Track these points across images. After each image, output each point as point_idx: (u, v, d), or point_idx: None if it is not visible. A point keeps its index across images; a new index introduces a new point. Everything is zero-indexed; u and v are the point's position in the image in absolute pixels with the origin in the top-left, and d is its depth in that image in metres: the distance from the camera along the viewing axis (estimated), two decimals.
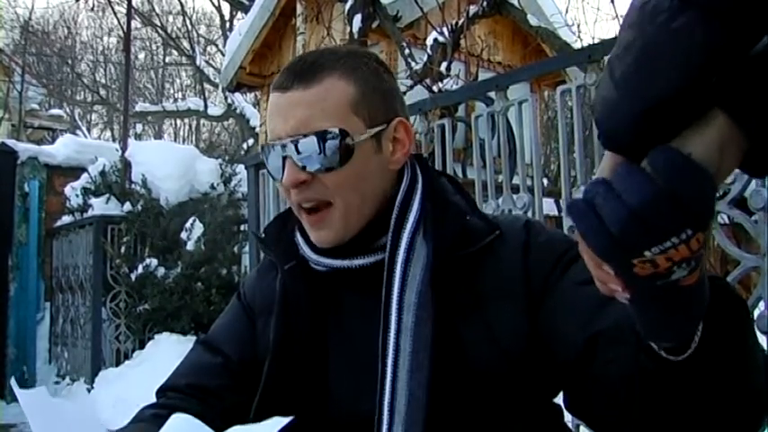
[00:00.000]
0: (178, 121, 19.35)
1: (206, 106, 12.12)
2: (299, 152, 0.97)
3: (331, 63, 1.01)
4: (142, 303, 5.76)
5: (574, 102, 2.50)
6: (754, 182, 2.03)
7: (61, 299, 6.64)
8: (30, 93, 14.18)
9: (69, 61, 17.92)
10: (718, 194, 0.58)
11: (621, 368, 0.82)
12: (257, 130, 9.94)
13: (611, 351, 0.84)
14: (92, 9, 16.11)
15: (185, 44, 14.49)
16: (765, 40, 0.53)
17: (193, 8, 25.72)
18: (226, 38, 12.78)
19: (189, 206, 5.88)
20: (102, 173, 6.32)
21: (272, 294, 1.07)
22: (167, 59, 19.18)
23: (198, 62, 12.90)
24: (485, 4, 4.82)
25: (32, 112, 14.79)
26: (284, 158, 0.99)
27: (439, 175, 1.11)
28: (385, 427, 0.93)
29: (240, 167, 6.08)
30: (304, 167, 0.98)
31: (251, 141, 11.14)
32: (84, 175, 6.47)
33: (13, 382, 0.91)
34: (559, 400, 1.06)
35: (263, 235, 1.14)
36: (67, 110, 17.49)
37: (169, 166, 5.94)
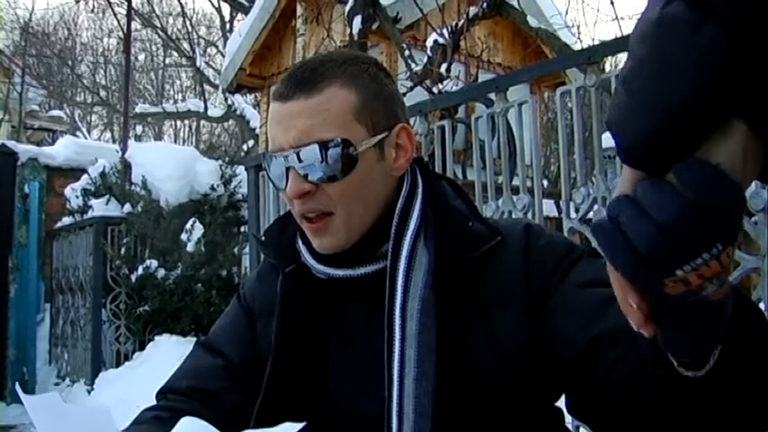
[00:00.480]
0: (178, 123, 19.35)
1: (206, 107, 12.12)
2: (301, 162, 0.97)
3: (332, 71, 0.99)
4: (142, 305, 5.76)
5: (574, 103, 2.51)
6: (753, 183, 2.03)
7: (61, 300, 6.63)
8: (30, 94, 14.17)
9: (69, 62, 17.94)
10: None
11: (623, 370, 0.82)
12: (257, 131, 9.94)
13: (613, 352, 0.84)
14: (92, 10, 16.12)
15: (185, 45, 14.50)
16: None
17: (193, 9, 25.74)
18: (226, 39, 12.79)
19: (189, 207, 5.88)
20: (103, 174, 6.32)
21: (272, 296, 1.07)
22: (167, 61, 19.20)
23: (198, 63, 12.90)
24: (485, 5, 4.83)
25: (32, 114, 14.79)
26: (287, 169, 0.98)
27: (439, 178, 1.11)
28: (395, 427, 0.93)
29: (240, 169, 6.07)
30: (307, 177, 0.97)
31: (251, 143, 11.15)
32: (85, 177, 6.46)
33: (17, 387, 0.91)
34: (559, 402, 1.07)
35: (264, 238, 1.13)
36: (67, 111, 17.49)
37: (169, 167, 5.94)
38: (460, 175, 5.35)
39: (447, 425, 0.94)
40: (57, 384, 6.35)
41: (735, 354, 0.67)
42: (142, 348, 5.62)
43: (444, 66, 4.75)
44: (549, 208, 4.07)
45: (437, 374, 0.93)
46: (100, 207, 6.07)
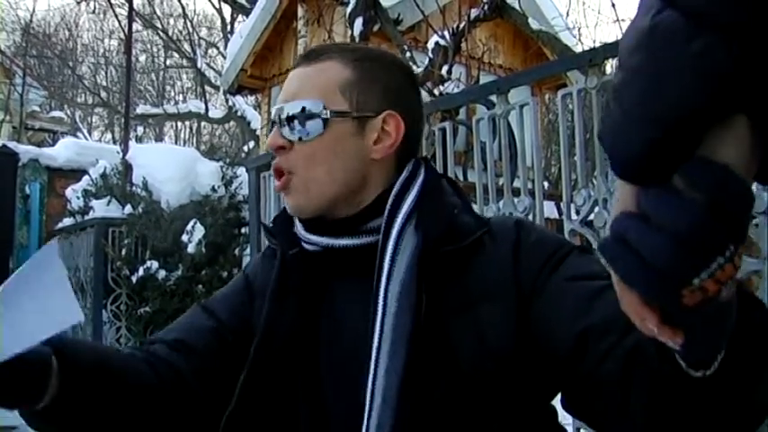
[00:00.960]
0: (179, 124, 19.37)
1: (207, 109, 12.13)
2: (280, 119, 1.05)
3: (338, 50, 1.09)
4: (143, 306, 5.76)
5: (575, 105, 2.51)
6: (754, 186, 2.03)
7: None
8: (31, 95, 14.20)
9: (70, 63, 17.96)
10: None
11: (614, 362, 0.82)
12: (258, 132, 9.94)
13: (603, 344, 0.84)
14: (93, 11, 16.17)
15: (186, 47, 14.53)
16: None
17: (194, 11, 25.71)
18: (227, 40, 12.80)
19: (190, 208, 5.88)
20: (103, 175, 6.33)
21: (270, 279, 1.09)
22: (168, 62, 19.21)
23: (199, 65, 12.92)
24: (486, 7, 4.84)
25: (33, 115, 14.82)
26: (273, 124, 1.07)
27: (440, 177, 1.13)
28: (366, 411, 0.94)
29: (241, 170, 6.08)
30: (282, 132, 1.05)
31: (252, 144, 11.16)
32: (85, 178, 6.47)
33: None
34: (555, 402, 1.07)
35: (272, 222, 1.17)
36: (68, 112, 17.53)
37: (170, 168, 5.94)
38: (461, 177, 5.35)
39: (421, 411, 0.94)
40: None
41: (741, 348, 0.67)
42: None
43: (445, 68, 4.75)
44: (549, 210, 4.07)
45: (407, 356, 0.94)
46: (101, 208, 6.07)
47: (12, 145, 7.33)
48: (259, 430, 1.02)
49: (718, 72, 0.48)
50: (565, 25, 6.26)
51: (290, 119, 1.04)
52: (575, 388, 0.92)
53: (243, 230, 5.91)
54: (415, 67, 4.90)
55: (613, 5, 4.71)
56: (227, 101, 11.11)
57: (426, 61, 4.89)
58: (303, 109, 1.03)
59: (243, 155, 11.58)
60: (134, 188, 6.02)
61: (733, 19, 0.47)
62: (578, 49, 5.28)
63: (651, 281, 0.51)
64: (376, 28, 5.21)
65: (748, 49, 0.47)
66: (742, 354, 0.67)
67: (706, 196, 0.48)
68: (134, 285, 5.77)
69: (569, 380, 0.91)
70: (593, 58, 2.46)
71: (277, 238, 1.12)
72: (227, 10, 14.45)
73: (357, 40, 4.87)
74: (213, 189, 5.97)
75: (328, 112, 1.03)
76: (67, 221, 6.58)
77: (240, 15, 12.48)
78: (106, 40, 19.93)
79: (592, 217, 2.41)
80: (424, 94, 4.68)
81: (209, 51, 17.41)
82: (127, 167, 6.18)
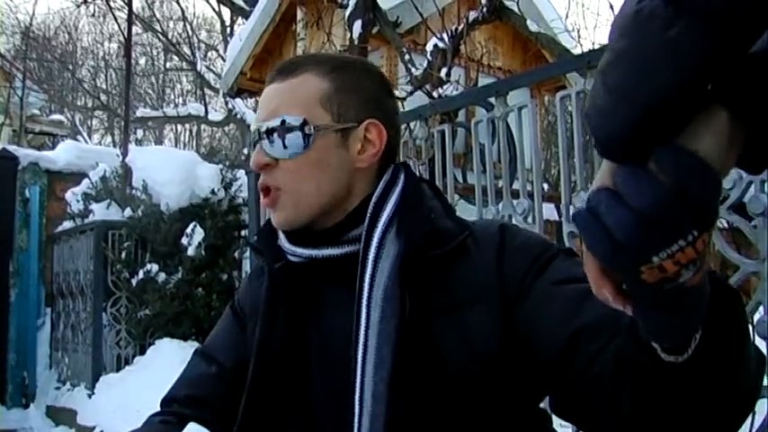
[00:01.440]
0: (179, 127, 19.35)
1: (207, 111, 12.13)
2: (263, 137, 1.05)
3: (313, 61, 1.09)
4: (143, 309, 5.76)
5: (574, 107, 2.51)
6: (752, 187, 2.04)
7: (62, 304, 6.63)
8: (30, 98, 14.21)
9: (70, 67, 17.93)
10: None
11: (605, 362, 0.83)
12: None
13: (593, 345, 0.85)
14: (93, 15, 16.18)
15: (186, 50, 14.53)
16: (765, 36, 0.52)
17: (194, 14, 25.78)
18: (226, 43, 12.81)
19: (189, 211, 5.88)
20: (103, 178, 6.32)
21: (259, 298, 1.10)
22: (168, 65, 19.21)
23: (198, 67, 12.92)
24: (484, 9, 4.84)
25: (33, 118, 14.82)
26: (255, 144, 1.07)
27: (419, 180, 1.14)
28: (356, 420, 0.95)
29: (241, 173, 6.07)
30: (266, 152, 1.05)
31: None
32: (85, 181, 6.46)
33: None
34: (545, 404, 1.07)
35: (257, 237, 1.17)
36: (68, 115, 17.53)
37: (170, 171, 5.93)
38: (461, 179, 5.35)
39: (409, 416, 0.95)
40: (57, 389, 6.34)
41: (714, 336, 0.68)
42: (143, 352, 5.62)
43: (444, 70, 4.76)
44: (549, 212, 4.08)
45: (394, 363, 0.95)
46: (100, 211, 6.07)
47: (11, 148, 7.32)
48: None
49: (695, 57, 0.50)
50: (564, 27, 6.27)
51: (272, 137, 1.04)
52: (564, 390, 0.92)
53: (242, 233, 5.91)
54: (413, 70, 4.90)
55: (612, 7, 4.71)
56: (226, 104, 11.11)
57: (425, 64, 4.90)
58: (286, 126, 1.03)
59: (242, 158, 11.57)
60: (134, 191, 6.02)
61: (711, 6, 0.49)
62: (577, 51, 5.28)
63: (612, 252, 0.53)
64: (375, 30, 5.22)
65: (726, 36, 0.49)
66: (716, 339, 0.68)
67: (674, 180, 0.51)
68: (134, 288, 5.77)
69: (558, 382, 0.92)
70: (592, 61, 2.46)
71: (263, 253, 1.13)
72: (226, 13, 14.47)
73: (356, 42, 4.88)
74: (213, 192, 5.97)
75: (312, 127, 1.03)
76: (67, 225, 6.58)
77: (239, 18, 12.49)
78: (106, 44, 19.94)
79: None
80: (423, 96, 4.70)
81: (209, 54, 17.41)
82: (126, 170, 6.18)
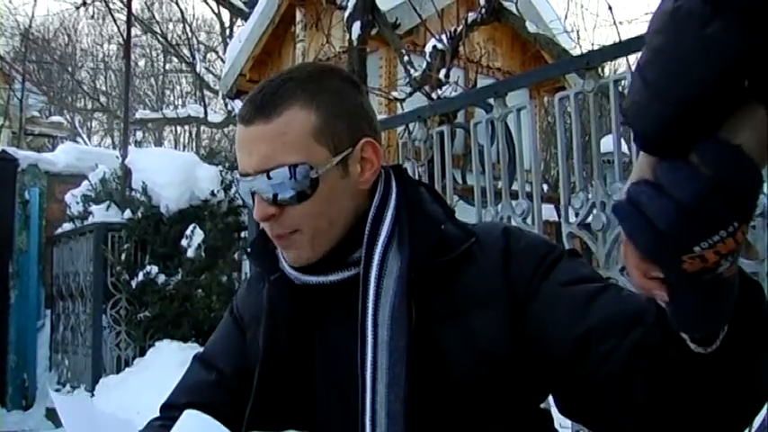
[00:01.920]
0: (178, 128, 19.35)
1: (206, 113, 12.14)
2: (264, 187, 0.99)
3: (291, 92, 1.00)
4: (143, 310, 5.76)
5: (572, 108, 2.51)
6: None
7: (62, 306, 6.63)
8: (30, 100, 14.20)
9: (69, 69, 17.94)
10: None
11: (617, 361, 0.83)
12: None
13: (604, 345, 0.86)
14: (92, 16, 16.18)
15: (185, 51, 14.53)
16: None
17: (193, 15, 25.75)
18: (226, 45, 12.82)
19: (189, 213, 5.88)
20: (103, 180, 6.32)
21: (260, 305, 1.09)
22: (167, 66, 19.22)
23: (198, 69, 12.94)
24: (483, 11, 4.84)
25: (33, 120, 14.82)
26: (252, 193, 1.01)
27: (416, 184, 1.12)
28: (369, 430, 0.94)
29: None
30: (271, 201, 0.99)
31: None
32: (85, 183, 6.47)
33: (52, 392, 0.94)
34: (549, 405, 1.07)
35: (251, 248, 1.16)
36: (68, 117, 17.52)
37: (169, 173, 5.93)
38: (460, 180, 5.36)
39: (425, 429, 0.95)
40: (57, 390, 6.34)
41: (740, 328, 0.69)
42: (143, 354, 5.62)
43: (443, 71, 4.76)
44: (548, 212, 4.08)
45: (408, 380, 0.94)
46: (100, 213, 6.07)
47: (11, 150, 7.32)
48: None
49: (732, 55, 0.50)
50: (563, 28, 6.27)
51: (273, 185, 0.98)
52: (574, 390, 0.92)
53: (242, 235, 5.91)
54: (413, 71, 4.91)
55: (610, 9, 4.71)
56: (226, 105, 11.12)
57: (424, 65, 4.90)
58: (288, 174, 0.97)
59: None
60: (133, 193, 6.02)
61: (749, 4, 0.49)
62: (576, 52, 5.28)
63: (654, 242, 0.55)
64: (374, 32, 5.22)
65: (762, 33, 0.50)
66: (742, 330, 0.69)
67: (715, 172, 0.52)
68: (133, 290, 5.77)
69: (570, 382, 0.92)
70: (591, 62, 2.46)
71: (260, 264, 1.12)
72: (225, 14, 14.48)
73: (355, 43, 4.88)
74: (212, 193, 5.97)
75: (316, 170, 0.99)
76: (67, 226, 6.58)
77: (239, 20, 12.49)
78: (105, 45, 19.95)
79: (590, 220, 2.41)
80: (422, 97, 4.70)
81: (209, 56, 17.41)
82: (126, 172, 6.18)
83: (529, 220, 2.66)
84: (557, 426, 1.11)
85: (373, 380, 0.95)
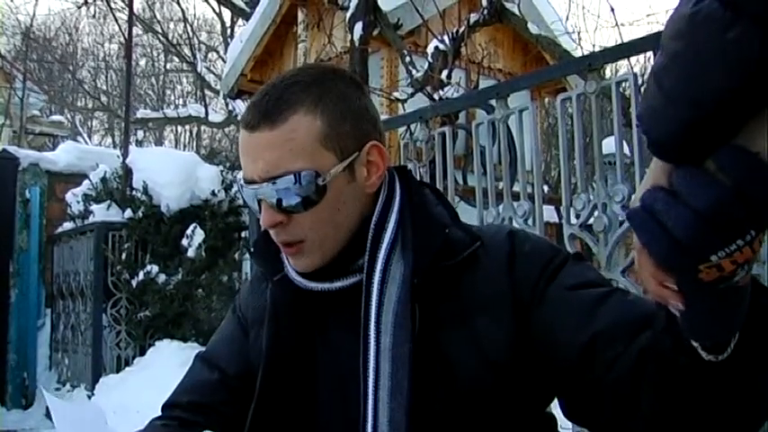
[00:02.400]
0: (179, 128, 19.35)
1: (207, 113, 12.12)
2: (271, 194, 0.98)
3: (296, 97, 0.99)
4: (143, 310, 5.76)
5: (574, 109, 2.51)
6: None
7: (62, 305, 6.63)
8: (31, 99, 14.21)
9: (70, 68, 17.94)
10: None
11: (624, 366, 0.83)
12: None
13: (611, 350, 0.85)
14: (93, 16, 16.19)
15: (186, 51, 14.52)
16: None
17: (194, 15, 25.74)
18: (227, 45, 12.81)
19: (190, 213, 5.88)
20: (104, 179, 6.32)
21: (263, 305, 1.09)
22: (168, 66, 19.21)
23: (199, 69, 12.93)
24: (485, 12, 4.84)
25: (33, 119, 14.83)
26: (259, 200, 1.00)
27: (421, 185, 1.11)
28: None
29: (241, 174, 6.07)
30: (278, 208, 0.98)
31: None
32: (86, 182, 6.46)
33: (45, 393, 0.94)
34: (553, 408, 1.07)
35: (253, 248, 1.15)
36: (68, 116, 17.54)
37: (170, 172, 5.94)
38: (461, 181, 5.35)
39: (426, 425, 0.94)
40: (57, 389, 6.34)
41: (752, 335, 0.69)
42: (143, 353, 5.62)
43: (445, 72, 4.75)
44: (549, 214, 4.07)
45: (410, 388, 0.93)
46: (101, 212, 6.07)
47: (12, 149, 7.32)
48: None
49: (753, 59, 0.49)
50: (564, 30, 6.27)
51: (280, 193, 0.97)
52: (579, 395, 0.92)
53: (243, 235, 5.91)
54: (414, 72, 4.91)
55: (613, 10, 4.71)
56: (227, 105, 11.11)
57: (426, 66, 4.90)
58: (295, 181, 0.96)
59: None
60: (134, 192, 6.02)
61: (766, 9, 0.48)
62: (577, 53, 5.28)
63: (670, 251, 0.54)
64: (376, 32, 5.22)
65: None
66: (754, 338, 0.69)
67: (733, 180, 0.51)
68: (134, 289, 5.77)
69: (576, 387, 0.91)
70: (593, 63, 2.46)
71: (263, 264, 1.12)
72: (227, 14, 14.46)
73: (357, 44, 4.88)
74: (213, 193, 5.97)
75: (324, 177, 0.97)
76: (68, 226, 6.58)
77: (240, 19, 12.49)
78: (106, 45, 19.96)
79: (591, 221, 2.41)
80: (423, 98, 4.70)
81: (209, 55, 17.40)
82: (127, 171, 6.18)
83: (530, 222, 2.66)
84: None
85: (375, 386, 0.94)
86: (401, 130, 3.40)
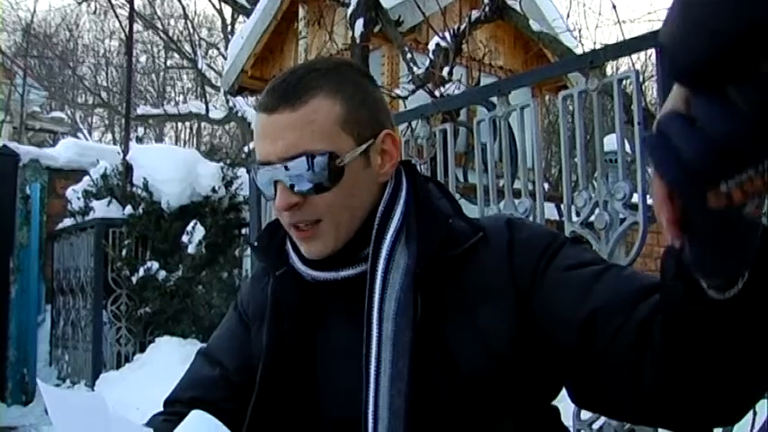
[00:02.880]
0: (179, 125, 19.36)
1: (207, 109, 12.12)
2: (289, 175, 0.98)
3: (316, 81, 1.00)
4: (143, 306, 5.76)
5: (575, 107, 2.51)
6: None
7: (62, 301, 6.63)
8: (31, 95, 14.21)
9: (71, 64, 17.96)
10: None
11: (625, 338, 0.84)
12: None
13: (611, 324, 0.86)
14: (94, 12, 16.18)
15: (187, 47, 14.52)
16: None
17: (195, 11, 25.74)
18: (227, 41, 12.81)
19: (190, 209, 5.88)
20: (104, 176, 6.32)
21: (264, 301, 1.09)
22: (169, 62, 19.21)
23: (199, 65, 12.93)
24: (487, 9, 4.83)
25: (34, 115, 14.83)
26: (275, 181, 1.00)
27: (425, 180, 1.12)
28: (371, 427, 0.94)
29: (241, 171, 6.08)
30: (294, 189, 0.99)
31: (252, 145, 11.15)
32: (86, 178, 6.46)
33: (40, 382, 0.94)
34: (558, 402, 1.07)
35: (256, 243, 1.16)
36: (69, 113, 17.54)
37: (170, 169, 5.94)
38: (462, 179, 5.35)
39: (430, 424, 0.95)
40: (57, 386, 6.34)
41: (760, 277, 0.68)
42: (143, 350, 5.63)
43: (446, 69, 4.74)
44: (550, 211, 4.07)
45: (411, 375, 0.94)
46: (101, 209, 6.07)
47: (12, 145, 7.31)
48: None
49: None
50: (565, 27, 6.26)
51: (298, 173, 0.97)
52: (584, 375, 0.92)
53: (243, 231, 5.91)
54: (415, 69, 4.90)
55: (614, 7, 4.70)
56: (227, 102, 11.10)
57: (427, 63, 4.89)
58: (314, 162, 0.97)
59: (243, 156, 11.58)
60: (134, 189, 6.02)
61: None
62: (579, 50, 5.27)
63: (680, 174, 0.54)
64: (377, 29, 5.22)
65: None
66: (761, 279, 0.68)
67: (751, 109, 0.50)
68: (134, 286, 5.77)
69: (578, 369, 0.92)
70: (594, 60, 2.45)
71: (265, 259, 1.12)
72: (227, 11, 14.46)
73: (358, 41, 4.87)
74: (213, 190, 5.97)
75: (342, 159, 0.98)
76: (68, 222, 6.58)
77: (241, 16, 12.49)
78: (107, 41, 19.97)
79: (592, 218, 2.41)
80: (425, 95, 4.69)
81: (210, 52, 17.41)
82: (127, 168, 6.18)
83: (531, 219, 2.66)
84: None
85: (377, 374, 0.95)
86: (402, 127, 3.39)
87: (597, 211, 2.39)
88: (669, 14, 0.55)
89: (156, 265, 5.72)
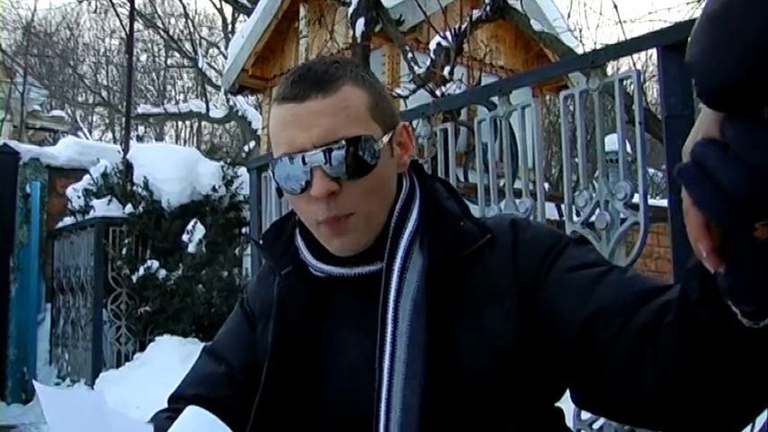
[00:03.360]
0: (180, 124, 19.37)
1: (208, 108, 12.13)
2: (328, 161, 0.95)
3: (342, 71, 1.00)
4: (143, 305, 5.76)
5: (576, 106, 2.50)
6: None
7: (62, 300, 6.64)
8: (32, 94, 14.20)
9: (71, 63, 17.96)
10: None
11: (626, 342, 0.83)
12: (259, 132, 9.95)
13: (612, 327, 0.86)
14: (94, 11, 16.17)
15: (187, 46, 14.53)
16: None
17: (196, 10, 25.76)
18: (228, 40, 12.81)
19: (190, 208, 5.89)
20: (104, 174, 6.33)
21: (270, 299, 1.09)
22: (169, 61, 19.21)
23: (200, 64, 12.94)
24: (488, 8, 4.83)
25: (34, 114, 14.82)
26: (312, 169, 0.96)
27: (433, 179, 1.12)
28: (381, 430, 0.94)
29: (242, 170, 6.08)
30: (334, 177, 0.96)
31: (252, 144, 11.16)
32: (86, 177, 6.47)
33: (35, 382, 0.93)
34: (560, 403, 1.07)
35: (262, 241, 1.15)
36: (69, 111, 17.55)
37: (171, 168, 5.94)
38: (462, 178, 5.34)
39: (437, 424, 0.95)
40: (57, 384, 6.34)
41: None
42: (143, 349, 5.63)
43: (447, 69, 4.74)
44: (551, 211, 4.07)
45: (426, 375, 0.94)
46: (101, 207, 6.07)
47: (13, 144, 7.31)
48: None
49: None
50: (566, 27, 6.25)
51: (337, 159, 0.95)
52: (586, 377, 0.92)
53: (243, 230, 5.91)
54: (416, 68, 4.89)
55: (615, 7, 4.70)
56: (228, 101, 11.11)
57: (428, 62, 4.88)
58: (353, 147, 0.95)
59: (244, 155, 11.58)
60: (135, 188, 6.02)
61: None
62: (580, 50, 5.27)
63: (725, 209, 0.51)
64: (378, 29, 5.22)
65: None
66: None
67: None
68: (134, 285, 5.77)
69: (580, 371, 0.92)
70: (595, 60, 2.45)
71: (271, 258, 1.11)
72: (228, 10, 14.47)
73: (359, 40, 4.87)
74: (214, 189, 5.97)
75: (380, 142, 0.98)
76: (68, 221, 6.59)
77: (241, 15, 12.48)
78: (107, 40, 19.95)
79: (593, 219, 2.40)
80: (425, 95, 4.69)
81: (211, 51, 17.42)
82: (127, 167, 6.18)
83: (532, 219, 2.65)
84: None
85: (390, 372, 0.94)
86: None
87: (598, 210, 2.39)
88: (695, 33, 0.53)
89: (156, 263, 5.72)
